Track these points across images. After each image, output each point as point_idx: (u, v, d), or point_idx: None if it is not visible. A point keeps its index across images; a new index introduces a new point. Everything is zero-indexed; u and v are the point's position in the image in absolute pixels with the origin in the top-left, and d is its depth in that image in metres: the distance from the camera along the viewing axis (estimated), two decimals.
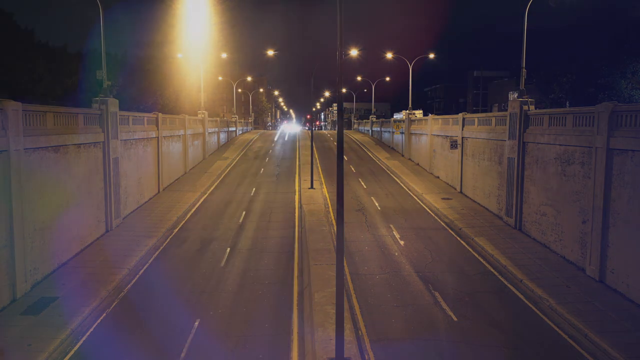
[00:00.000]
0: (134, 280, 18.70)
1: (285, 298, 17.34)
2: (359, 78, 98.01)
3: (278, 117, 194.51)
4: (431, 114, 58.94)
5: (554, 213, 22.03)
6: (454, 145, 35.92)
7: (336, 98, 16.48)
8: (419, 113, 63.29)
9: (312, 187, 36.47)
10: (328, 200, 32.64)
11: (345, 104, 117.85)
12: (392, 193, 35.68)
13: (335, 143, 68.52)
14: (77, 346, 13.87)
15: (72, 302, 16.01)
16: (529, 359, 13.54)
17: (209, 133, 53.65)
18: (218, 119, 62.05)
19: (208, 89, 62.78)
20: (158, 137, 33.41)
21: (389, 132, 63.70)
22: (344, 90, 12.38)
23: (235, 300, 17.07)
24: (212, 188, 36.83)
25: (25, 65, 38.13)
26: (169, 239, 23.99)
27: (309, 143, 49.42)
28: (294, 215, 28.81)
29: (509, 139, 26.39)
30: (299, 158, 52.53)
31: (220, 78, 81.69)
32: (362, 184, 38.86)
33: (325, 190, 36.17)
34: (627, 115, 17.53)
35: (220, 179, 40.69)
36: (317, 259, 20.78)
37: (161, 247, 22.73)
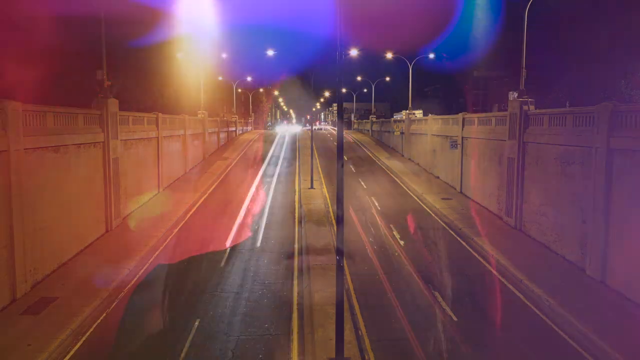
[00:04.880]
0: (134, 281, 18.68)
1: (285, 298, 17.34)
2: (359, 78, 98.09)
3: (278, 117, 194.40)
4: (431, 114, 58.93)
5: (554, 213, 22.02)
6: (454, 145, 35.92)
7: (336, 98, 16.48)
8: (418, 113, 63.30)
9: (312, 187, 36.48)
10: (328, 200, 32.65)
11: (345, 104, 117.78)
12: (392, 193, 35.68)
13: (335, 143, 68.53)
14: (77, 346, 13.86)
15: (72, 302, 16.01)
16: (529, 358, 13.54)
17: (209, 133, 53.64)
18: (218, 119, 62.04)
19: (208, 89, 62.72)
20: (158, 137, 33.40)
21: (389, 132, 63.72)
22: (343, 90, 12.38)
23: (235, 300, 17.07)
24: (212, 188, 36.82)
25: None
26: (169, 239, 23.98)
27: (309, 143, 49.46)
28: (294, 215, 28.81)
29: (509, 139, 26.39)
30: (299, 158, 52.55)
31: (220, 78, 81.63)
32: (362, 184, 38.86)
33: (325, 190, 36.18)
34: (627, 115, 17.52)
35: (220, 179, 40.68)
36: (317, 259, 20.78)
37: (161, 247, 22.71)
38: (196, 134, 46.95)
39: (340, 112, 12.20)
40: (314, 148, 47.65)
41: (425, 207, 31.47)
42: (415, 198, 34.12)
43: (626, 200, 17.33)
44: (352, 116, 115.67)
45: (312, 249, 22.16)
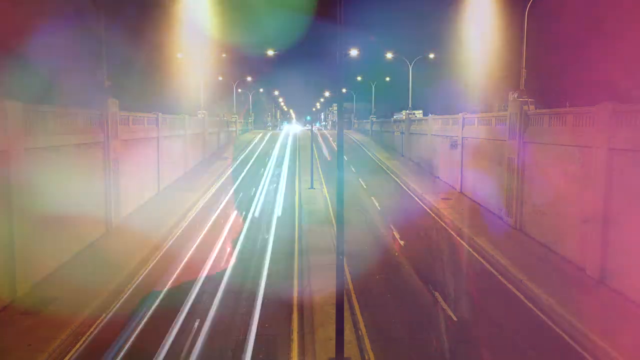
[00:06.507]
0: (134, 280, 18.68)
1: (285, 298, 17.33)
2: (358, 78, 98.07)
3: (278, 117, 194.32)
4: (431, 114, 58.91)
5: (554, 213, 22.02)
6: (454, 145, 35.92)
7: (336, 98, 16.48)
8: (419, 113, 63.34)
9: (312, 187, 36.49)
10: (328, 200, 32.64)
11: (345, 104, 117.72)
12: (392, 193, 35.68)
13: (335, 143, 68.52)
14: (77, 346, 13.86)
15: (72, 302, 15.99)
16: (529, 358, 13.54)
17: (209, 133, 53.65)
18: (218, 119, 62.05)
19: (208, 89, 62.77)
20: (158, 137, 33.40)
21: (389, 132, 63.73)
22: (344, 90, 12.39)
23: (235, 300, 17.08)
24: (211, 188, 36.83)
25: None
26: (169, 239, 23.97)
27: (309, 143, 49.49)
28: (294, 216, 28.80)
29: (509, 139, 26.38)
30: (299, 158, 52.56)
31: (220, 78, 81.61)
32: (362, 184, 38.86)
33: (325, 190, 36.18)
34: (627, 115, 17.50)
35: (220, 179, 40.70)
36: (317, 259, 20.77)
37: (161, 247, 22.70)
38: (196, 134, 46.96)
39: (341, 112, 12.21)
40: (314, 148, 47.68)
41: (425, 207, 31.47)
42: (416, 198, 34.12)
43: (626, 200, 17.33)
44: (352, 116, 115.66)
45: (312, 249, 22.15)
